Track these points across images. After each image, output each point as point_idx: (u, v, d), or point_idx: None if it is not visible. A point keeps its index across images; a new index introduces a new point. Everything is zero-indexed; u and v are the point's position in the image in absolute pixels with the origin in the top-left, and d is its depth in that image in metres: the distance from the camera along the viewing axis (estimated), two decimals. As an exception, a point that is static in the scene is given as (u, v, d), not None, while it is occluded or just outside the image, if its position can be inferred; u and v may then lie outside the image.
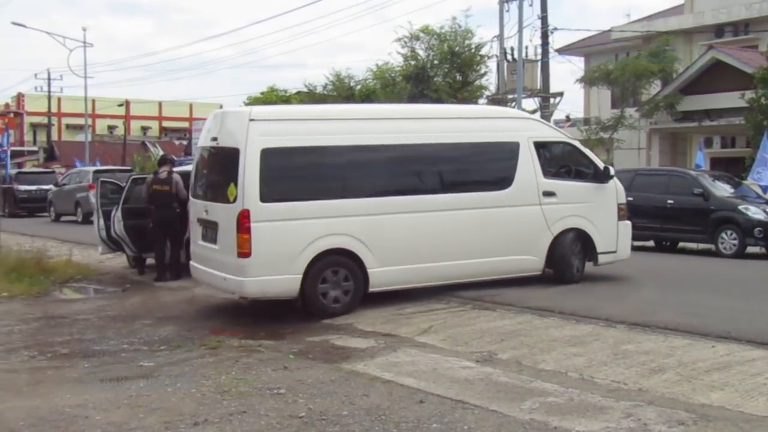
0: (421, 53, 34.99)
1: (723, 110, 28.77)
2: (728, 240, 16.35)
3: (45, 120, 63.72)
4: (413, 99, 30.61)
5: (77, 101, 54.78)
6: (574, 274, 11.63)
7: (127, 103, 55.96)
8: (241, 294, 10.24)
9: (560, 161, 12.14)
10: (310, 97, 35.63)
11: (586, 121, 35.14)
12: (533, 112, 27.76)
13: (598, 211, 11.71)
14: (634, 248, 12.57)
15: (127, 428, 5.87)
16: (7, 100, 70.23)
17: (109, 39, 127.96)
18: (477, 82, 35.68)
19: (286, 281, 9.73)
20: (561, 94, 33.18)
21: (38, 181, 33.32)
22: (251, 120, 9.67)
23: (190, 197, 11.24)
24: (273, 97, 39.09)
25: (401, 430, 5.71)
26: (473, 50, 34.77)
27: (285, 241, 9.66)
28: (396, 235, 10.28)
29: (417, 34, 34.66)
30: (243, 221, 9.45)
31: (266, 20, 72.65)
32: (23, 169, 40.65)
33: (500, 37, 32.07)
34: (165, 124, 73.06)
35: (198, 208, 10.76)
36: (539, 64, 32.25)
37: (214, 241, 10.20)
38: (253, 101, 38.97)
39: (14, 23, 60.11)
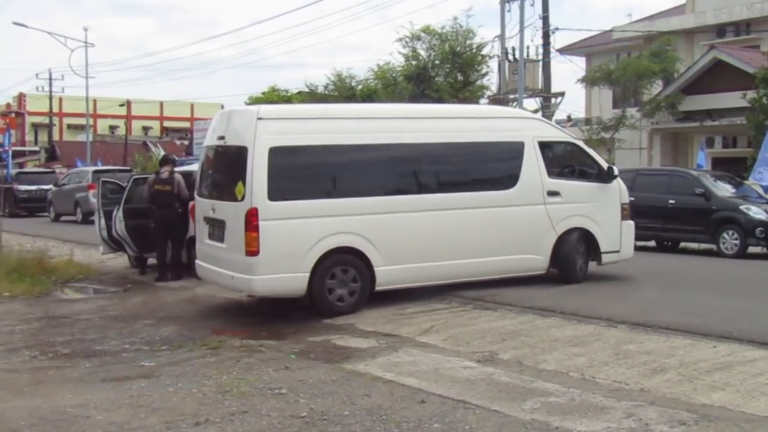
0: (423, 53, 34.99)
1: (724, 110, 28.77)
2: (730, 240, 16.35)
3: (46, 120, 63.77)
4: (414, 99, 30.60)
5: (79, 101, 54.79)
6: (578, 274, 11.67)
7: (128, 103, 56.01)
8: (249, 292, 10.30)
9: (564, 161, 12.17)
10: (311, 97, 35.62)
11: (588, 121, 35.14)
12: (535, 112, 27.71)
13: (602, 210, 11.76)
14: (635, 248, 12.57)
15: (129, 428, 5.87)
16: (9, 100, 70.38)
17: (110, 39, 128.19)
18: (478, 82, 35.67)
19: (293, 279, 9.75)
20: (562, 94, 33.21)
21: (38, 181, 33.41)
22: (259, 119, 9.70)
23: (196, 196, 11.24)
24: (274, 97, 39.08)
25: (402, 430, 5.70)
26: (474, 50, 34.76)
27: (293, 240, 9.68)
28: (402, 234, 10.32)
29: (418, 34, 34.65)
30: (251, 219, 9.47)
31: (267, 20, 73.15)
32: (23, 169, 40.71)
33: (501, 37, 32.07)
34: (166, 124, 73.15)
35: (204, 206, 10.76)
36: (540, 64, 32.25)
37: (221, 239, 10.21)
38: (255, 101, 38.93)
39: (15, 23, 60.22)
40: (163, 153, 30.55)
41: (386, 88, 34.88)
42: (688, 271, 14.00)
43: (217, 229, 10.35)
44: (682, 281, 12.35)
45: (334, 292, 10.02)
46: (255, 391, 6.71)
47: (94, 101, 59.92)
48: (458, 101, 31.22)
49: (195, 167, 14.82)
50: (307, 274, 9.76)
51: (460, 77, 34.78)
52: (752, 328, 8.29)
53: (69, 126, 68.85)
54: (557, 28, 32.27)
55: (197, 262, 11.12)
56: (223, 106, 67.92)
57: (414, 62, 34.76)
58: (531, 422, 5.81)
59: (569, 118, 35.55)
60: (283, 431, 5.75)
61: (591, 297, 10.55)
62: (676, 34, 33.10)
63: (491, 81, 35.43)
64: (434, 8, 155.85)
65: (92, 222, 26.78)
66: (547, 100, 32.19)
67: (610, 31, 36.42)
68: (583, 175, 11.95)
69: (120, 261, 16.09)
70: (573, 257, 11.57)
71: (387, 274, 10.22)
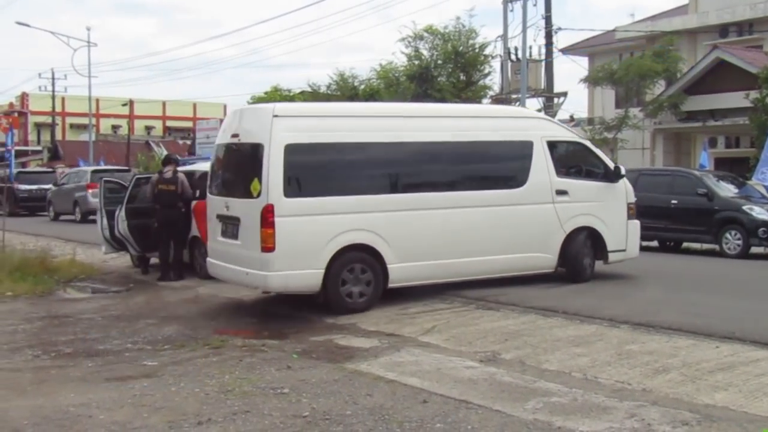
0: (425, 53, 34.97)
1: (727, 110, 28.72)
2: (732, 240, 16.34)
3: (49, 119, 63.86)
4: (417, 99, 30.55)
5: (81, 101, 54.80)
6: (586, 273, 11.78)
7: (131, 103, 56.02)
8: (264, 288, 10.39)
9: (572, 160, 12.28)
10: (313, 97, 35.59)
11: (590, 121, 35.08)
12: (537, 111, 27.72)
13: (609, 209, 11.88)
14: (638, 248, 12.59)
15: (131, 427, 5.87)
16: (12, 99, 70.39)
17: (113, 39, 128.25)
18: (481, 82, 35.64)
19: (309, 276, 9.81)
20: (565, 94, 33.23)
21: (39, 181, 33.62)
22: (275, 116, 9.79)
23: (208, 194, 11.26)
24: (277, 96, 39.02)
25: (405, 430, 5.70)
26: (477, 50, 34.72)
27: (308, 236, 9.74)
28: (415, 231, 10.39)
29: (421, 34, 34.62)
30: (267, 216, 9.52)
31: (270, 20, 73.27)
32: (24, 169, 40.81)
33: (504, 37, 32.08)
34: (169, 123, 73.20)
35: (217, 204, 10.79)
36: (543, 63, 32.25)
37: (235, 236, 10.26)
38: (257, 101, 38.91)
39: (18, 23, 59.99)
40: (165, 153, 30.54)
41: (389, 87, 34.85)
42: (691, 271, 13.99)
43: (230, 226, 10.39)
44: (684, 281, 12.34)
45: (348, 289, 10.08)
46: (257, 391, 6.71)
47: (97, 101, 59.95)
48: (461, 101, 31.18)
49: (197, 167, 14.89)
50: (322, 271, 9.83)
51: (462, 77, 34.76)
52: (755, 329, 8.28)
53: (72, 125, 68.92)
54: (560, 28, 32.36)
55: (208, 259, 11.16)
56: (225, 106, 68.17)
57: (416, 62, 34.74)
58: (533, 422, 5.81)
59: (572, 118, 35.46)
60: (286, 431, 5.75)
61: (593, 297, 10.55)
62: (679, 34, 33.05)
63: (494, 81, 35.45)
64: (437, 8, 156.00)
65: (91, 221, 26.95)
66: (550, 100, 32.19)
67: (613, 31, 36.37)
68: (590, 175, 12.05)
69: (122, 260, 16.11)
70: (581, 256, 11.67)
71: (399, 272, 10.29)
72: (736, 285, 12.28)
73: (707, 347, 7.78)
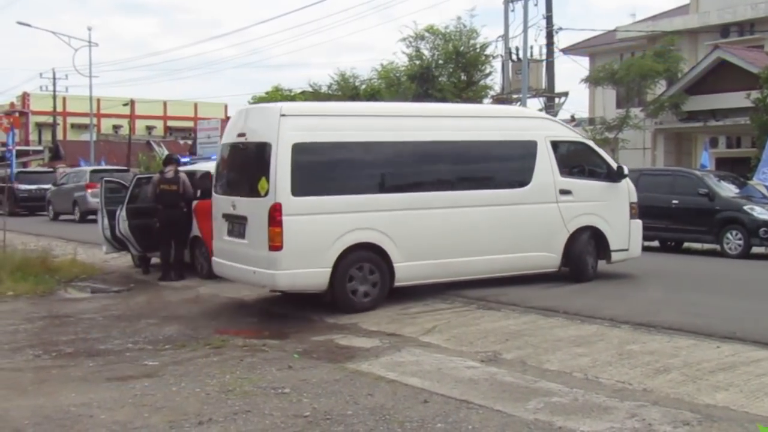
0: (426, 53, 34.97)
1: (728, 110, 28.70)
2: (733, 240, 16.33)
3: (50, 119, 63.87)
4: (418, 99, 30.55)
5: (82, 101, 54.85)
6: (590, 272, 11.84)
7: (132, 103, 56.03)
8: (272, 287, 10.42)
9: (575, 160, 12.34)
10: (314, 96, 35.60)
11: (591, 121, 35.07)
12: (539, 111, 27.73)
13: (612, 209, 11.95)
14: (639, 248, 12.61)
15: (132, 427, 5.88)
16: (13, 99, 70.40)
17: (114, 38, 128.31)
18: (482, 82, 35.65)
19: (316, 274, 9.84)
20: (566, 94, 33.26)
21: (39, 181, 33.76)
22: (282, 115, 9.82)
23: (214, 193, 11.28)
24: (278, 96, 39.05)
25: (406, 430, 5.70)
26: (478, 50, 34.72)
27: (315, 235, 9.77)
28: (421, 230, 10.44)
29: (422, 34, 34.63)
30: (275, 215, 9.55)
31: (270, 20, 73.12)
32: (24, 169, 40.87)
33: (505, 37, 32.12)
34: (170, 123, 73.20)
35: (223, 203, 10.80)
36: (544, 63, 32.28)
37: (242, 235, 10.28)
38: (258, 101, 38.93)
39: (19, 23, 59.88)
40: (166, 152, 30.56)
41: (389, 87, 34.86)
42: (692, 271, 13.98)
43: (237, 225, 10.42)
44: (685, 281, 12.33)
45: (355, 288, 10.12)
46: (258, 391, 6.71)
47: (98, 101, 60.04)
48: (462, 101, 31.19)
49: (199, 166, 14.89)
50: (329, 270, 9.86)
51: (463, 77, 34.76)
52: (756, 329, 8.28)
53: (73, 125, 68.92)
54: (561, 28, 32.44)
55: (214, 258, 11.17)
56: (226, 106, 68.12)
57: (417, 62, 34.74)
58: (534, 422, 5.81)
59: (573, 118, 35.47)
60: (286, 431, 5.75)
61: (594, 297, 10.55)
62: (680, 34, 33.02)
63: (494, 81, 35.48)
64: (438, 8, 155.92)
65: (90, 221, 26.98)
66: (551, 100, 32.20)
67: (614, 31, 36.36)
68: (593, 175, 12.11)
69: (123, 260, 16.12)
70: (584, 255, 11.73)
71: (405, 270, 10.33)
72: (737, 285, 12.27)
73: (708, 347, 7.78)
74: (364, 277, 10.16)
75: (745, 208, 16.39)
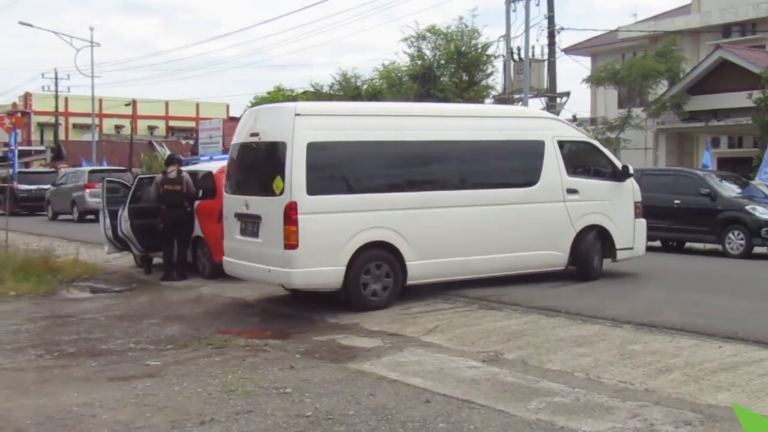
0: (428, 53, 34.99)
1: (730, 110, 28.68)
2: (735, 240, 16.32)
3: (52, 119, 63.85)
4: (419, 99, 30.55)
5: (84, 101, 54.88)
6: (595, 270, 11.95)
7: (134, 103, 56.05)
8: (287, 285, 10.50)
9: (581, 160, 12.47)
10: (316, 96, 35.63)
11: (593, 121, 35.05)
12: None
13: (617, 208, 12.07)
14: (641, 248, 12.64)
15: (134, 427, 5.88)
16: (15, 99, 70.42)
17: (116, 38, 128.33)
18: (483, 82, 35.66)
19: (331, 273, 9.89)
20: (567, 94, 33.21)
21: (39, 181, 33.95)
22: (297, 115, 9.87)
23: (225, 193, 11.29)
24: (279, 96, 39.11)
25: (407, 430, 5.70)
26: (480, 50, 34.73)
27: (330, 234, 9.83)
28: (433, 229, 10.52)
29: (423, 34, 34.64)
30: (290, 213, 9.60)
31: (272, 20, 73.06)
32: (24, 169, 40.93)
33: (507, 37, 32.08)
34: (172, 123, 73.20)
35: (235, 203, 10.82)
36: (546, 63, 32.24)
37: (255, 234, 10.32)
38: (260, 101, 38.98)
39: (21, 23, 59.93)
40: (168, 153, 30.58)
41: (391, 87, 34.88)
42: (694, 271, 13.98)
43: (250, 224, 10.45)
44: (687, 281, 12.34)
45: (368, 287, 10.17)
46: (260, 391, 6.71)
47: (100, 101, 60.05)
48: (463, 101, 31.20)
49: (200, 167, 14.90)
50: (344, 268, 9.91)
51: (465, 77, 34.77)
52: (758, 329, 8.28)
53: (75, 125, 68.92)
54: (562, 28, 32.31)
55: (225, 258, 11.19)
56: (228, 106, 68.11)
57: (419, 62, 34.75)
58: (536, 422, 5.81)
59: (574, 118, 35.45)
60: (288, 430, 5.75)
61: (596, 297, 10.56)
62: (682, 34, 32.99)
63: (496, 81, 35.49)
64: (439, 8, 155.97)
65: (88, 220, 27.01)
66: (553, 100, 32.16)
67: (616, 31, 36.33)
68: (598, 174, 12.23)
69: (125, 260, 16.13)
70: (591, 254, 11.85)
71: (418, 269, 10.40)
72: (738, 285, 12.27)
73: (710, 347, 7.78)
74: (377, 276, 10.21)
75: (747, 208, 16.38)
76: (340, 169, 10.18)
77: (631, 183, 12.30)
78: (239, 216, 10.70)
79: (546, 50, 32.10)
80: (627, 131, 31.77)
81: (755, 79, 25.72)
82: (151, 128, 70.46)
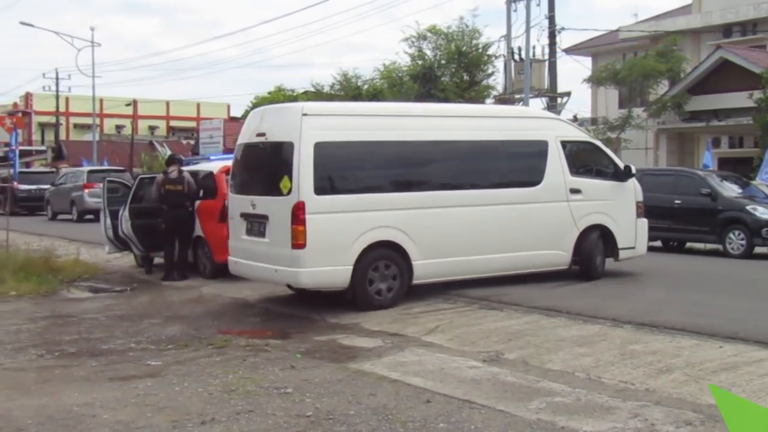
0: (429, 53, 35.01)
1: (731, 110, 28.67)
2: (736, 240, 16.32)
3: (53, 119, 63.87)
4: (420, 99, 30.58)
5: (85, 101, 54.89)
6: (598, 270, 11.98)
7: (134, 103, 56.06)
8: (295, 284, 10.51)
9: (584, 160, 12.54)
10: (317, 96, 35.66)
11: (594, 121, 35.03)
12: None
13: (619, 208, 12.13)
14: (641, 248, 12.65)
15: (135, 427, 5.88)
16: (16, 99, 70.44)
17: (116, 38, 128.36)
18: (484, 82, 35.69)
19: (338, 272, 9.91)
20: (568, 94, 33.23)
21: (38, 181, 34.03)
22: (304, 115, 9.90)
23: (230, 193, 11.29)
24: (280, 96, 39.17)
25: (408, 430, 5.70)
26: (480, 50, 34.76)
27: (337, 233, 9.85)
28: (439, 229, 10.56)
29: (424, 34, 34.66)
30: (298, 213, 9.62)
31: (273, 20, 73.05)
32: (23, 169, 40.98)
33: (507, 37, 32.09)
34: (172, 123, 73.22)
35: (241, 203, 10.83)
36: (546, 63, 32.26)
37: (262, 234, 10.34)
38: (261, 101, 39.01)
39: (22, 23, 59.90)
40: (169, 152, 30.59)
41: (392, 87, 34.90)
42: (694, 271, 13.98)
43: (257, 224, 10.47)
44: (687, 281, 12.34)
45: (375, 286, 10.18)
46: (261, 391, 6.71)
47: (101, 101, 60.00)
48: (464, 101, 31.20)
49: (202, 166, 14.91)
50: (351, 268, 9.93)
51: (465, 77, 34.79)
52: (758, 329, 8.27)
53: (75, 125, 68.94)
54: (563, 28, 32.33)
55: (230, 258, 11.19)
56: (229, 106, 68.10)
57: (420, 62, 34.77)
58: (537, 422, 5.80)
59: (575, 118, 35.44)
60: (289, 430, 5.75)
61: (596, 297, 10.56)
62: (683, 34, 32.98)
63: (497, 81, 35.52)
64: (440, 8, 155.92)
65: (87, 220, 27.01)
66: (553, 100, 32.18)
67: (616, 30, 36.33)
68: (601, 174, 12.29)
69: (126, 260, 16.13)
70: (594, 253, 11.90)
71: (424, 268, 10.42)
72: (739, 285, 12.26)
73: (711, 347, 7.77)
74: (384, 275, 10.23)
75: (748, 208, 16.37)
76: (346, 169, 10.22)
77: (633, 183, 12.37)
78: (245, 216, 10.72)
79: (547, 50, 32.16)
80: (628, 131, 31.76)
81: (756, 79, 25.72)
82: (152, 128, 70.49)
